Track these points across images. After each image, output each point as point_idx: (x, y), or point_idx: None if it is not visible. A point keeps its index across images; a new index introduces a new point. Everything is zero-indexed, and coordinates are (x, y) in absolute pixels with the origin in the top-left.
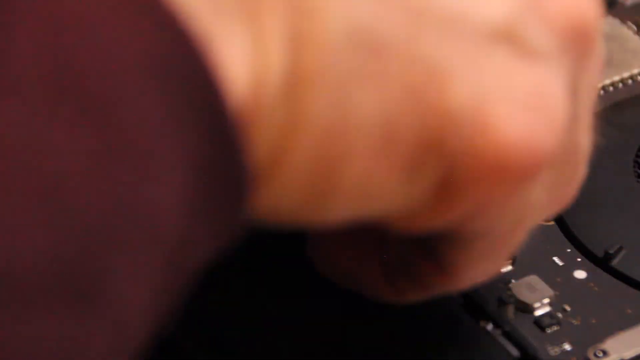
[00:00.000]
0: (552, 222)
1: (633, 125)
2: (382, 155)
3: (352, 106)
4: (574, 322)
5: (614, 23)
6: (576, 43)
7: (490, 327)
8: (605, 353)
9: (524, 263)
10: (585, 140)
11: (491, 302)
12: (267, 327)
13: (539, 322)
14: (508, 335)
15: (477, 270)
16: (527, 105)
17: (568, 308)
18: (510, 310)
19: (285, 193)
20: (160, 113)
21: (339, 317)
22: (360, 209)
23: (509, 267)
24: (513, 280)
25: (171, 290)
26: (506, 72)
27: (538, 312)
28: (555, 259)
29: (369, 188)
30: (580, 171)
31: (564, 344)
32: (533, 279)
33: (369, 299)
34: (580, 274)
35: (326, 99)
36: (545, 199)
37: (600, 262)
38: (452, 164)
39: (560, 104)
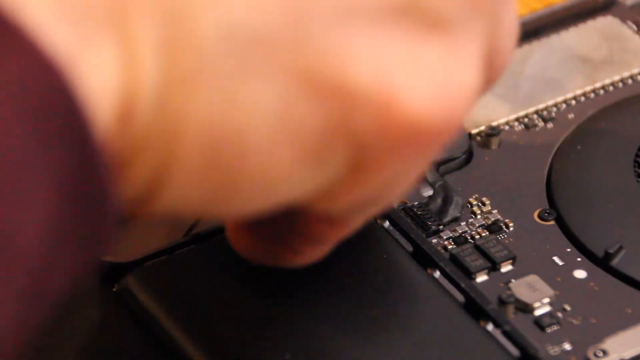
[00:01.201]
0: (552, 222)
1: (633, 125)
2: (284, 146)
3: (241, 103)
4: (574, 321)
5: (614, 23)
6: (483, 7)
7: (490, 327)
8: (605, 353)
9: (524, 263)
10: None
11: (491, 302)
12: (266, 327)
13: (539, 322)
14: (508, 335)
15: (369, 216)
16: (433, 76)
17: (568, 308)
18: (510, 310)
19: (186, 194)
20: (25, 144)
21: (339, 317)
22: (272, 199)
23: (509, 267)
24: (513, 280)
25: (34, 318)
26: (409, 45)
27: (538, 312)
28: (555, 258)
29: (275, 179)
30: None
31: (564, 343)
32: (533, 278)
33: (369, 299)
34: (580, 274)
35: (208, 101)
36: None
37: (600, 261)
38: (362, 142)
39: (469, 71)
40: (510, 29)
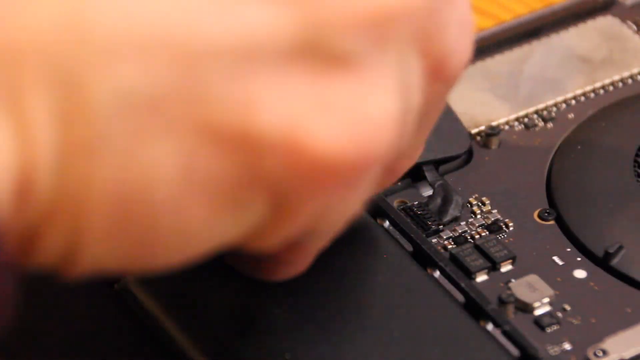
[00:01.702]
0: (552, 222)
1: (633, 125)
2: (195, 200)
3: (143, 163)
4: (574, 321)
5: (613, 23)
6: (389, 35)
7: (490, 326)
8: (605, 352)
9: (524, 263)
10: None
11: (491, 302)
12: (266, 327)
13: (538, 322)
14: (508, 335)
15: (325, 238)
16: (340, 114)
17: (568, 307)
18: (510, 310)
19: (105, 256)
20: None
21: (339, 317)
22: (196, 249)
23: (509, 267)
24: (513, 280)
25: None
26: (314, 86)
27: (538, 312)
28: (555, 258)
29: (192, 232)
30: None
31: (564, 343)
32: (533, 278)
33: (369, 299)
34: (580, 274)
35: (109, 165)
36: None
37: (600, 261)
38: (277, 186)
39: (382, 103)
40: (457, 30)
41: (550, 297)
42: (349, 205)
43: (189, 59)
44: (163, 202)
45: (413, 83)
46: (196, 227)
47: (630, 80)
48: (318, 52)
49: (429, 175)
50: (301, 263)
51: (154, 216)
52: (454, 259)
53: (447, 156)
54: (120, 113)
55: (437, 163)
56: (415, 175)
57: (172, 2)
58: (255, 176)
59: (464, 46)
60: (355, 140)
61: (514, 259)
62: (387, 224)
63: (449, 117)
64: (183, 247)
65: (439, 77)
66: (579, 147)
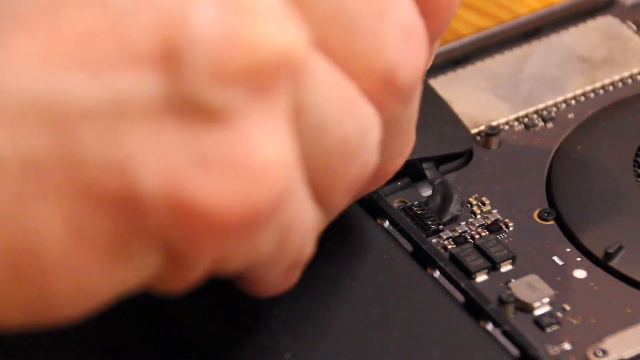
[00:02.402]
0: (552, 222)
1: (633, 125)
2: (85, 256)
3: (27, 225)
4: (574, 321)
5: (613, 23)
6: (268, 84)
7: (490, 326)
8: (605, 352)
9: (523, 262)
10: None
11: (491, 301)
12: (267, 327)
13: (538, 322)
14: (508, 335)
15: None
16: (223, 167)
17: (568, 307)
18: (510, 310)
19: (5, 312)
20: None
21: (339, 317)
22: (97, 299)
23: (509, 267)
24: (513, 280)
25: None
26: (190, 140)
27: (538, 312)
28: (555, 258)
29: (88, 285)
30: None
31: (564, 343)
32: (533, 278)
33: (369, 299)
34: (580, 274)
35: None
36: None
37: (600, 261)
38: (167, 239)
39: (268, 151)
40: (397, 40)
41: (550, 297)
42: (251, 251)
43: (59, 122)
44: (54, 260)
45: (329, 113)
46: (92, 280)
47: (630, 80)
48: (189, 107)
49: (429, 173)
50: (278, 284)
51: (47, 273)
52: (453, 259)
53: (448, 153)
54: (10, 173)
55: (437, 161)
56: (415, 175)
57: (40, 67)
58: (142, 232)
59: (413, 54)
60: (238, 194)
61: (513, 259)
62: (387, 224)
63: (449, 116)
64: (83, 299)
65: (391, 91)
66: (579, 147)
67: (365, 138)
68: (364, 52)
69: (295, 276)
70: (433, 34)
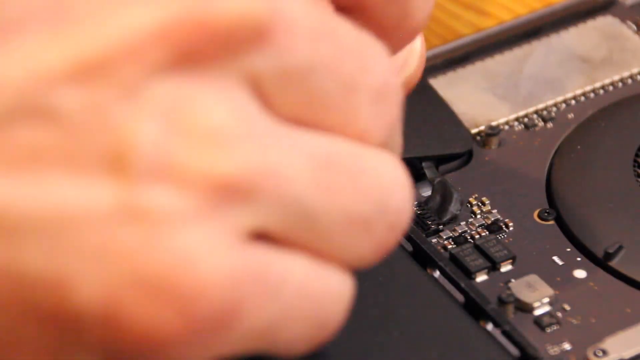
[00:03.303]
0: (552, 222)
1: (633, 125)
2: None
3: None
4: (574, 321)
5: (613, 23)
6: (223, 197)
7: (490, 326)
8: (604, 352)
9: (523, 263)
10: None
11: (491, 301)
12: None
13: (538, 322)
14: (508, 335)
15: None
16: (156, 286)
17: (568, 307)
18: (510, 310)
19: None
20: None
21: None
22: None
23: (509, 267)
24: (513, 280)
25: None
26: (131, 254)
27: (538, 312)
28: (555, 258)
29: None
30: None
31: (564, 343)
32: (533, 278)
33: (369, 299)
34: (580, 274)
35: None
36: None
37: (600, 261)
38: (102, 349)
39: (208, 271)
40: (370, 109)
41: (550, 297)
42: (242, 339)
43: (2, 231)
44: None
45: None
46: None
47: (630, 80)
48: (142, 217)
49: (428, 172)
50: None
51: None
52: (453, 259)
53: (448, 153)
54: None
55: (437, 161)
56: (414, 175)
57: None
58: (80, 344)
59: (386, 112)
60: (175, 315)
61: (513, 259)
62: None
63: (449, 116)
64: None
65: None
66: (579, 147)
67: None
68: (338, 125)
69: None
70: (399, 46)
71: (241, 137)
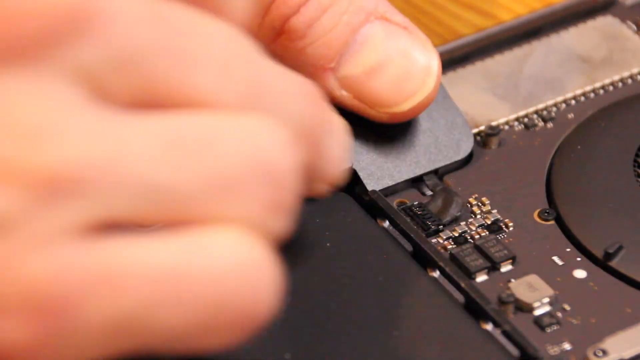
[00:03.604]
0: (552, 222)
1: (633, 125)
2: None
3: None
4: (574, 321)
5: (613, 23)
6: (48, 193)
7: (490, 326)
8: (605, 352)
9: (523, 263)
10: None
11: (491, 301)
12: (266, 327)
13: (538, 322)
14: (508, 335)
15: None
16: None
17: (568, 307)
18: (510, 310)
19: None
20: None
21: (339, 317)
22: None
23: (509, 267)
24: (513, 280)
25: None
26: None
27: (538, 312)
28: (555, 258)
29: None
30: None
31: (564, 343)
32: (533, 278)
33: (369, 299)
34: (580, 274)
35: None
36: None
37: (599, 261)
38: None
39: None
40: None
41: (550, 297)
42: (68, 347)
43: None
44: None
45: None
46: None
47: (630, 80)
48: None
49: (430, 183)
50: None
51: None
52: (453, 259)
53: (449, 163)
54: None
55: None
56: (414, 176)
57: None
58: None
59: (229, 89)
60: (7, 322)
61: (513, 259)
62: (387, 224)
63: (453, 118)
64: None
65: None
66: (579, 147)
67: None
68: (187, 100)
69: None
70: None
71: (63, 132)
